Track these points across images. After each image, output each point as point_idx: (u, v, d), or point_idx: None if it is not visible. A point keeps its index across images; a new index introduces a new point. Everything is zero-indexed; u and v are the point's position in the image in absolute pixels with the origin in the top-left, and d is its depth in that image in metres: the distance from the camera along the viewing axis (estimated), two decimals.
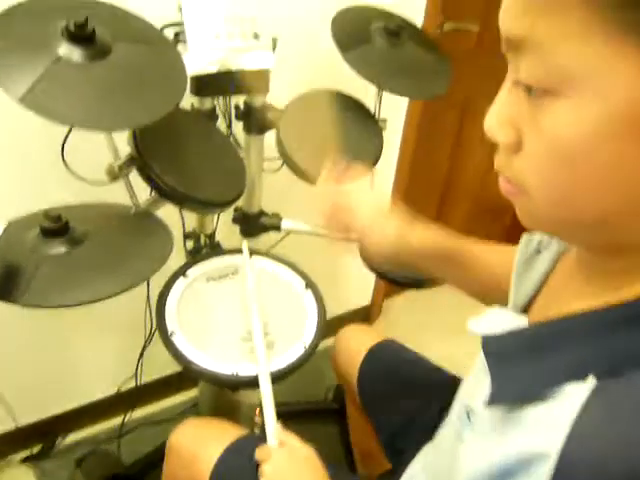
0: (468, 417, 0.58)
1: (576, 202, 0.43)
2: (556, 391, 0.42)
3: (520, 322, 0.53)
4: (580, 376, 0.41)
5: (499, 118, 0.46)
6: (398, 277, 1.29)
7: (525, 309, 0.63)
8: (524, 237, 0.68)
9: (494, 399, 0.49)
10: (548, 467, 0.39)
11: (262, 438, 0.88)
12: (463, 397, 0.65)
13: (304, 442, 0.85)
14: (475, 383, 0.62)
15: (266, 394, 0.92)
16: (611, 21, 0.36)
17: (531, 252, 0.66)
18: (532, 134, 0.43)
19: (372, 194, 0.93)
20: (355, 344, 1.23)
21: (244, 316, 1.10)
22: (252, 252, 1.25)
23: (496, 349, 0.52)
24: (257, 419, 1.28)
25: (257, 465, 0.84)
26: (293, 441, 0.85)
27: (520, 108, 0.44)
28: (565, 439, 0.39)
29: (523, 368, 0.48)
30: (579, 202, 0.43)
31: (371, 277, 2.11)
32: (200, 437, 0.99)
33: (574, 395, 0.41)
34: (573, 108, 0.39)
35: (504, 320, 0.55)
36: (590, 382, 0.40)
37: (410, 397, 1.10)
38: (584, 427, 0.39)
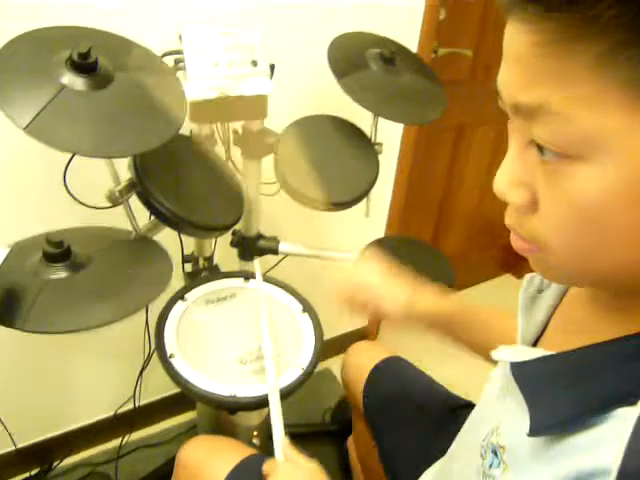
0: (496, 454, 0.57)
1: (598, 257, 0.44)
2: (607, 415, 0.43)
3: (539, 353, 0.53)
4: (629, 401, 0.42)
5: (511, 178, 0.46)
6: None
7: (534, 345, 0.64)
8: (527, 277, 0.69)
9: (538, 429, 0.49)
10: None
11: (269, 458, 0.89)
12: (481, 433, 0.64)
13: (310, 459, 0.86)
14: (496, 417, 0.61)
15: (274, 409, 0.92)
16: (626, 88, 0.36)
17: (534, 291, 0.67)
18: (549, 196, 0.43)
19: (378, 267, 0.96)
20: (362, 360, 1.25)
21: (242, 338, 1.11)
22: (249, 276, 1.26)
23: (527, 375, 0.53)
24: (255, 441, 1.29)
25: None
26: (299, 457, 0.86)
27: (533, 169, 0.44)
28: (624, 453, 0.40)
29: (562, 396, 0.48)
30: (601, 257, 0.43)
31: None
32: (209, 454, 1.00)
33: (626, 417, 0.42)
34: (594, 172, 0.40)
35: (526, 351, 0.55)
36: None
37: (411, 415, 1.11)
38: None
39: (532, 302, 0.66)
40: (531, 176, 0.44)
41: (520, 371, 0.53)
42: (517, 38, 0.41)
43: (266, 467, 0.85)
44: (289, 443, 0.88)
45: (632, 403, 0.42)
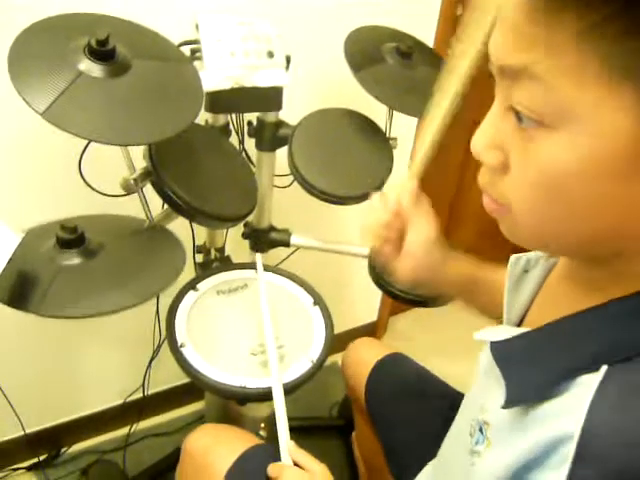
0: (481, 431, 0.59)
1: (561, 225, 0.46)
2: (571, 383, 0.45)
3: (520, 331, 0.55)
4: (592, 368, 0.44)
5: (487, 140, 0.48)
6: (404, 295, 1.29)
7: (518, 325, 0.65)
8: (512, 257, 0.70)
9: (511, 401, 0.51)
10: (572, 446, 0.42)
11: (275, 448, 0.89)
12: (471, 413, 0.65)
13: (317, 460, 0.86)
14: (482, 396, 0.63)
15: (280, 412, 0.93)
16: (608, 64, 0.38)
17: (519, 271, 0.68)
18: (520, 161, 0.45)
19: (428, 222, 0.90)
20: (364, 356, 1.24)
21: (253, 330, 1.11)
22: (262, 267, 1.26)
23: (505, 353, 0.55)
24: (262, 432, 1.29)
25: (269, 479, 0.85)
26: (306, 460, 0.86)
27: (510, 133, 0.46)
28: (585, 417, 0.42)
29: (534, 368, 0.50)
30: (564, 225, 0.46)
31: (378, 294, 2.12)
32: (215, 442, 1.00)
33: (589, 382, 0.44)
34: (566, 143, 0.41)
35: (506, 330, 0.57)
36: (603, 370, 0.43)
37: (414, 410, 1.10)
38: (601, 405, 0.42)
39: (518, 282, 0.68)
40: (506, 140, 0.46)
41: (498, 349, 0.55)
42: (511, 3, 0.42)
43: (272, 471, 0.86)
44: (295, 445, 0.88)
45: (594, 370, 0.44)
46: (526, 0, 0.41)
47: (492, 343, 0.56)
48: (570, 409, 0.44)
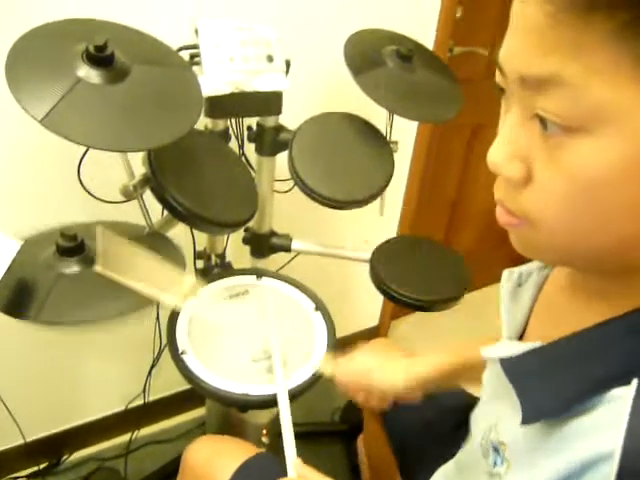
0: (497, 452, 0.57)
1: (590, 234, 0.44)
2: (601, 398, 0.44)
3: (526, 347, 0.53)
4: (623, 381, 0.43)
5: (506, 152, 0.45)
6: (406, 299, 1.29)
7: (519, 340, 0.64)
8: (505, 273, 0.69)
9: (529, 417, 0.49)
10: (613, 465, 0.40)
11: (277, 456, 0.88)
12: (480, 433, 0.64)
13: (324, 476, 0.85)
14: (493, 416, 0.62)
15: (286, 426, 0.92)
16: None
17: (513, 286, 0.67)
18: (547, 171, 0.43)
19: (371, 351, 1.00)
20: None
21: (255, 336, 1.10)
22: (262, 273, 1.26)
23: (518, 369, 0.53)
24: (264, 439, 1.28)
25: None
26: (313, 474, 0.85)
27: (532, 143, 0.44)
28: (625, 435, 0.40)
29: (553, 383, 0.49)
30: (594, 234, 0.44)
31: (379, 298, 2.11)
32: (215, 454, 0.99)
33: (622, 397, 0.42)
34: (599, 146, 0.39)
35: (514, 346, 0.55)
36: (634, 383, 0.42)
37: (428, 411, 1.09)
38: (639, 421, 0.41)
39: (513, 297, 0.66)
40: (529, 150, 0.44)
41: (509, 365, 0.54)
42: (530, 9, 0.40)
43: None
44: (302, 462, 0.87)
45: (625, 383, 0.43)
46: (549, 2, 0.39)
47: (503, 360, 0.54)
48: (605, 425, 0.43)
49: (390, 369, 0.94)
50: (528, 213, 0.46)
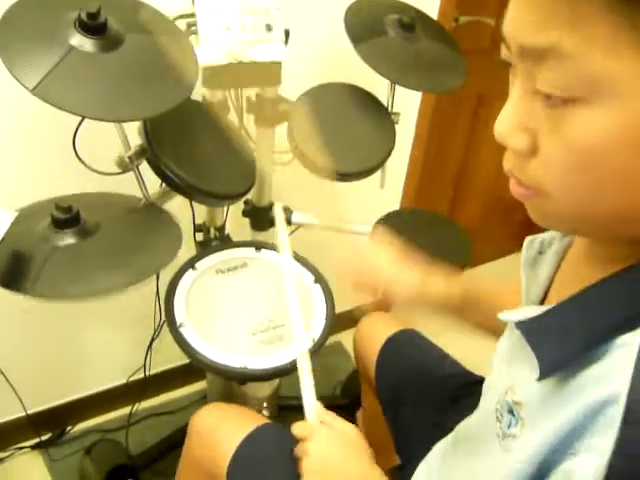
0: (512, 413, 0.58)
1: (595, 203, 0.45)
2: (609, 346, 0.45)
3: (548, 307, 0.54)
4: (628, 328, 0.44)
5: (511, 124, 0.47)
6: None
7: (540, 305, 0.65)
8: (526, 240, 0.70)
9: (546, 371, 0.50)
10: (619, 407, 0.41)
11: (283, 426, 0.89)
12: (494, 398, 0.64)
13: (344, 420, 0.84)
14: (508, 379, 0.62)
15: (305, 370, 0.91)
16: (637, 32, 0.37)
17: (534, 253, 0.68)
18: (551, 140, 0.44)
19: (388, 250, 0.96)
20: (376, 331, 1.23)
21: (253, 308, 1.10)
22: (261, 245, 1.25)
23: (535, 329, 0.54)
24: (265, 412, 1.29)
25: (290, 447, 0.83)
26: (338, 421, 0.83)
27: (535, 114, 0.44)
28: (631, 377, 0.41)
29: (567, 337, 0.50)
30: (598, 203, 0.45)
31: None
32: (222, 421, 1.00)
33: (628, 343, 0.44)
34: (598, 115, 0.40)
35: (532, 309, 0.56)
36: None
37: (424, 387, 1.09)
38: None
39: (533, 264, 0.68)
40: (533, 121, 0.45)
41: (526, 326, 0.55)
42: None
43: (298, 430, 0.83)
44: (322, 405, 0.86)
45: (631, 328, 0.44)
46: None
47: (520, 322, 0.55)
48: (613, 370, 0.43)
49: (403, 273, 0.93)
50: (536, 183, 0.47)
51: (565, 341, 0.50)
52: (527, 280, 0.68)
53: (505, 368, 0.68)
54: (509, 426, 0.58)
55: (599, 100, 0.40)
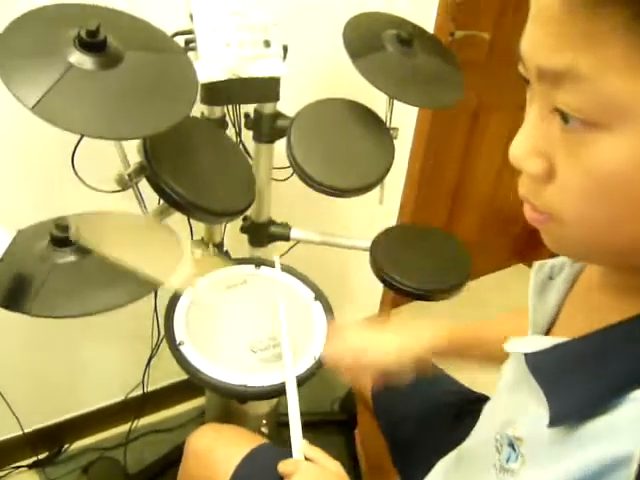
0: (513, 447, 0.56)
1: (612, 231, 0.43)
2: (622, 398, 0.43)
3: (552, 341, 0.52)
4: None
5: (527, 148, 0.45)
6: (405, 287, 1.27)
7: (546, 334, 0.63)
8: (536, 265, 0.68)
9: (558, 419, 0.48)
10: (633, 467, 0.40)
11: (282, 447, 0.88)
12: (494, 427, 0.63)
13: (330, 457, 0.84)
14: (511, 410, 0.61)
15: (293, 408, 0.91)
16: None
17: (544, 278, 0.66)
18: (568, 165, 0.42)
19: (357, 331, 0.97)
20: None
21: (253, 326, 1.09)
22: (260, 262, 1.24)
23: (543, 365, 0.52)
24: (264, 429, 1.27)
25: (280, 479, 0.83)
26: (321, 455, 0.84)
27: (552, 138, 0.43)
28: None
29: (581, 382, 0.48)
30: (616, 231, 0.43)
31: (379, 287, 2.09)
32: (219, 442, 0.98)
33: None
34: (619, 142, 0.39)
35: (539, 340, 0.54)
36: None
37: (422, 405, 1.08)
38: None
39: (542, 289, 0.66)
40: (550, 145, 0.43)
41: (534, 361, 0.53)
42: None
43: (285, 467, 0.84)
44: (307, 443, 0.86)
45: None
46: None
47: (527, 355, 0.53)
48: (625, 427, 0.42)
49: (383, 342, 0.93)
50: (551, 209, 0.45)
51: (580, 388, 0.47)
52: (534, 306, 0.66)
53: (508, 397, 0.66)
54: (508, 460, 0.57)
55: (619, 125, 0.38)
